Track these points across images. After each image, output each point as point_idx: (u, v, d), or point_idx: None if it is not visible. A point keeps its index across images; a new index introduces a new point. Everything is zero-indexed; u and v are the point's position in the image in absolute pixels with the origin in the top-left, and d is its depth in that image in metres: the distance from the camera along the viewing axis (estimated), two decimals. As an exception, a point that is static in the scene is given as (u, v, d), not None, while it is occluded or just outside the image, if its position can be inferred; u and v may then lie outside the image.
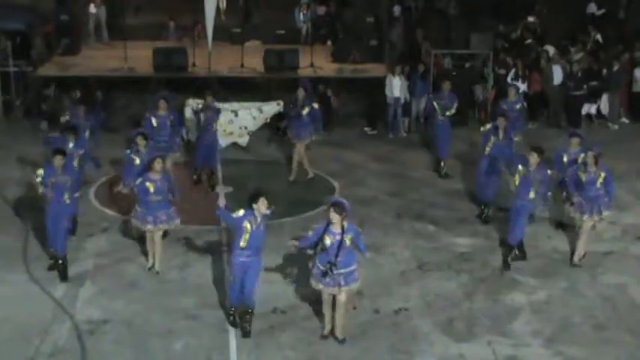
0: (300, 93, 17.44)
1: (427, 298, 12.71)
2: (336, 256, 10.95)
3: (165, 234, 13.66)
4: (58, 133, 15.76)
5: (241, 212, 11.20)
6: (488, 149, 15.51)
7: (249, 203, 11.21)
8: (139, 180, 13.01)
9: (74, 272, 13.19)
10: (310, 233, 11.26)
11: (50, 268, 13.21)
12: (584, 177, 13.49)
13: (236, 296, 11.51)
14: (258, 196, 11.21)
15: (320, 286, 11.21)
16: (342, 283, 11.09)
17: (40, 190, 12.90)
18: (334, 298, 11.27)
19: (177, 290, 12.79)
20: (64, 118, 16.84)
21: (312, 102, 17.60)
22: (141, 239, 13.83)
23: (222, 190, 17.00)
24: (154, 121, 16.07)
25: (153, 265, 13.36)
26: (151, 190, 12.89)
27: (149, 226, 13.10)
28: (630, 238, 14.96)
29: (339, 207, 11.01)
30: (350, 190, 16.94)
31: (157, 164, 13.01)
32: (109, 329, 11.63)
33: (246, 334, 11.44)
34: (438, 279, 13.36)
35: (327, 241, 10.96)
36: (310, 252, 11.30)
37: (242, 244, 11.17)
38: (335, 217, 10.96)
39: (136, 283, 13.01)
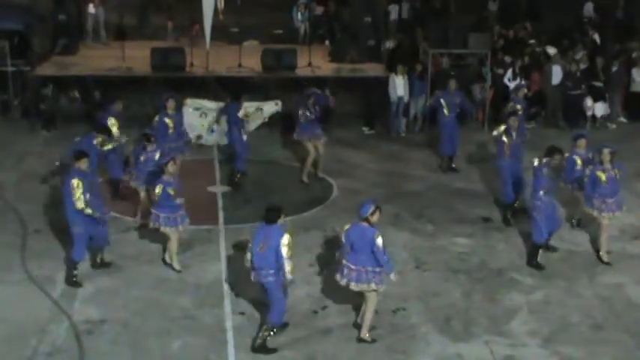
0: (311, 99, 17.39)
1: (425, 297, 12.72)
2: None
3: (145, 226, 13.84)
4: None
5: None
6: (507, 152, 15.44)
7: (273, 219, 11.06)
8: (160, 187, 12.95)
9: (72, 272, 13.22)
10: (383, 248, 11.06)
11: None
12: (603, 176, 13.54)
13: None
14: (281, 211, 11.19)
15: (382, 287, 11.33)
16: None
17: (84, 207, 12.50)
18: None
19: (175, 290, 12.79)
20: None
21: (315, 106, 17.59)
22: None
23: (219, 189, 17.00)
24: (168, 122, 16.06)
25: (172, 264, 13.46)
26: (173, 193, 12.96)
27: (180, 227, 13.23)
28: (628, 238, 14.96)
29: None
30: (348, 190, 16.95)
31: (171, 167, 13.09)
32: (106, 329, 11.62)
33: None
34: (436, 279, 13.36)
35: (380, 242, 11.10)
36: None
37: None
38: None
39: (133, 283, 13.00)
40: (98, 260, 13.44)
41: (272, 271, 10.91)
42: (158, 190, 12.96)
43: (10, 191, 16.65)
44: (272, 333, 11.19)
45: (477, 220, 15.68)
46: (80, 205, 12.45)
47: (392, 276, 11.25)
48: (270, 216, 11.02)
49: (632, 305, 12.61)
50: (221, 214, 15.71)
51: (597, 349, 11.38)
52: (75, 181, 12.46)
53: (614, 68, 22.14)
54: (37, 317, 11.81)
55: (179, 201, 13.05)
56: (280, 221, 11.05)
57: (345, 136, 20.94)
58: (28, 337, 11.30)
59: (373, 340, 11.39)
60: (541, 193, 13.47)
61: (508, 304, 12.57)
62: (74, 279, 12.83)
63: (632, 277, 13.45)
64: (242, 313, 11.99)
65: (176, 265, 13.38)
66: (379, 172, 18.48)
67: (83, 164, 12.71)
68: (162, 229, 13.15)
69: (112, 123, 15.51)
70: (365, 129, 21.50)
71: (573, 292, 12.97)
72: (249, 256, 11.12)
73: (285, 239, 10.83)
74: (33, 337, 11.32)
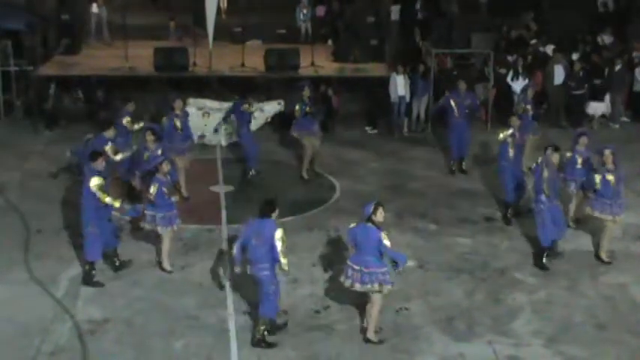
0: (306, 92, 17.44)
1: (428, 297, 12.71)
2: None
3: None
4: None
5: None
6: (512, 152, 15.44)
7: (267, 213, 11.12)
8: (155, 186, 12.91)
9: (75, 272, 13.20)
10: (389, 244, 11.01)
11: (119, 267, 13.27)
12: (611, 177, 13.54)
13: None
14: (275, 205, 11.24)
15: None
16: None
17: (113, 201, 12.68)
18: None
19: (178, 290, 12.79)
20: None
21: (313, 103, 17.65)
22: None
23: (222, 189, 17.01)
24: (177, 122, 16.05)
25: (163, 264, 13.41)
26: (167, 192, 12.99)
27: (175, 227, 13.19)
28: (631, 238, 14.94)
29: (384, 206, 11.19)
30: (351, 190, 16.95)
31: (165, 166, 13.08)
32: (109, 329, 11.63)
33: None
34: (439, 278, 13.35)
35: (388, 242, 11.03)
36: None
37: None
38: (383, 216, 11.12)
39: (136, 283, 13.00)
40: (117, 263, 13.34)
41: (267, 265, 11.00)
42: (153, 189, 12.93)
43: (12, 191, 16.65)
44: (267, 328, 11.19)
45: (479, 219, 15.68)
46: (108, 200, 12.56)
47: (409, 263, 11.57)
48: (265, 210, 11.11)
49: (635, 305, 12.59)
50: (224, 214, 15.71)
51: (601, 348, 11.36)
52: (95, 180, 12.55)
53: (617, 68, 22.12)
54: (40, 317, 11.82)
55: (173, 199, 13.09)
56: (274, 215, 11.12)
57: (348, 135, 20.95)
58: (31, 337, 11.30)
59: (380, 342, 11.34)
60: (542, 196, 13.43)
61: (511, 304, 12.56)
62: (94, 279, 12.86)
63: (636, 277, 13.43)
64: (245, 313, 11.98)
65: (166, 266, 13.31)
66: (382, 171, 18.48)
67: (99, 164, 12.78)
68: (160, 229, 13.11)
69: (128, 120, 15.70)
70: (368, 129, 21.50)
71: (576, 292, 12.96)
72: (236, 250, 11.15)
73: (279, 233, 10.90)
74: (36, 336, 11.32)
